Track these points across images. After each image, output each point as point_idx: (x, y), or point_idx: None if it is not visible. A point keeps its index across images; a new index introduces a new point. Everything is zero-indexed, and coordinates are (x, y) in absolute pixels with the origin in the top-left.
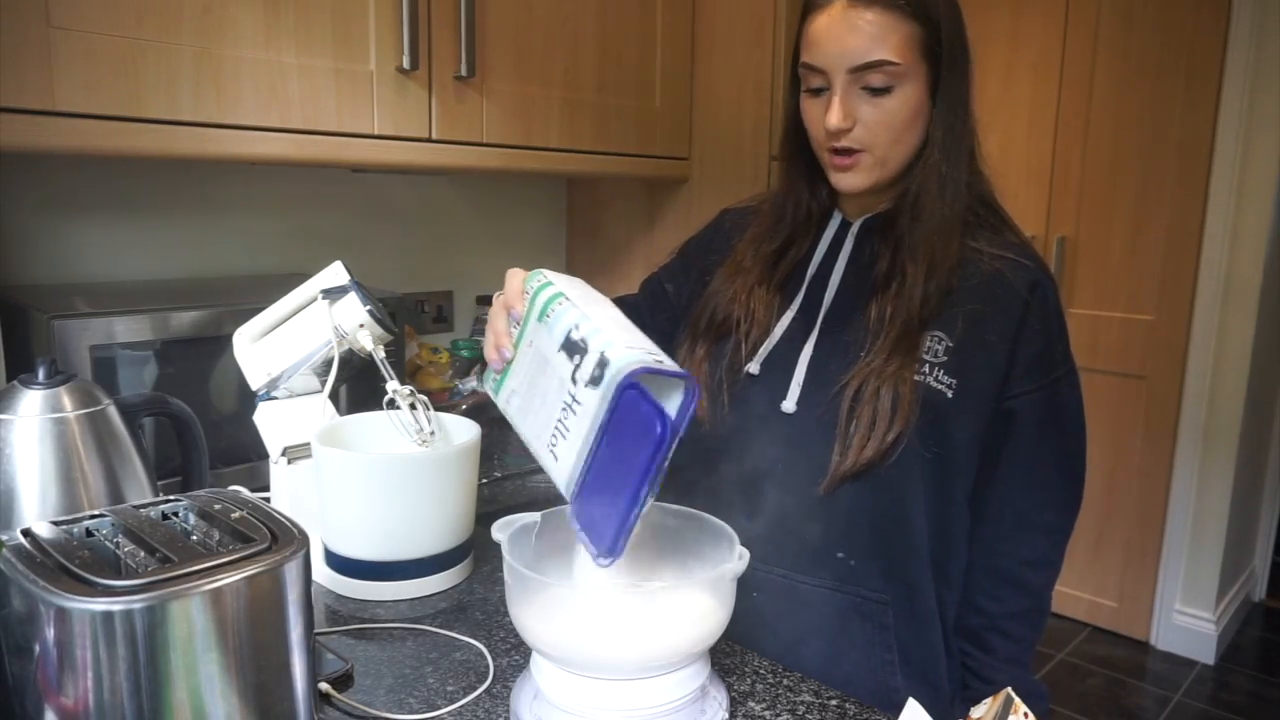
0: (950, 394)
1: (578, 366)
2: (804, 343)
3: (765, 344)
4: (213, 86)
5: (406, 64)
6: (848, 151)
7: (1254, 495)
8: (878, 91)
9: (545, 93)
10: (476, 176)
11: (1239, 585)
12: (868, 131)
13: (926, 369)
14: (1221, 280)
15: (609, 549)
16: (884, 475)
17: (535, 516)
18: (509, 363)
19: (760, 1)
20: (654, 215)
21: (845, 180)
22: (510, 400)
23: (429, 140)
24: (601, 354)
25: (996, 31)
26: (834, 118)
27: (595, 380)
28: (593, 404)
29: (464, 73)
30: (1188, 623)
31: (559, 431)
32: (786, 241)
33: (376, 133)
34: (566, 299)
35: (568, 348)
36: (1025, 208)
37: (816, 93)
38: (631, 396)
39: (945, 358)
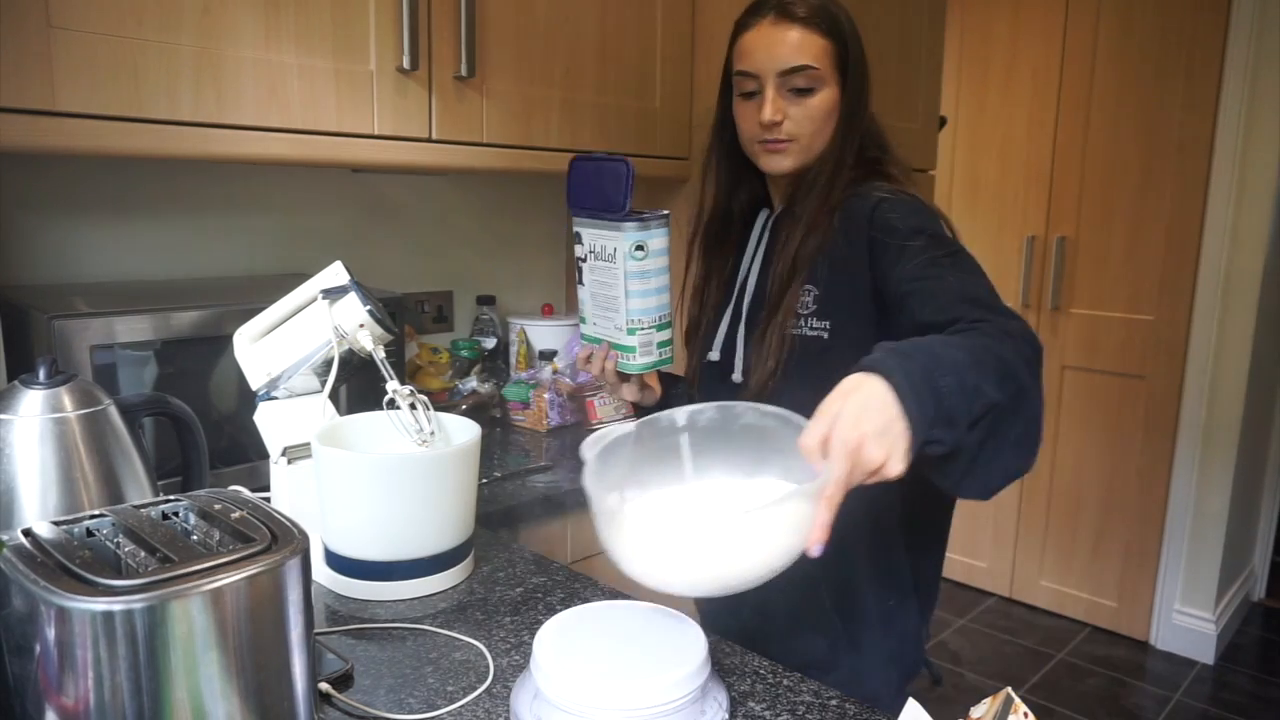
0: (826, 335)
1: (581, 257)
2: (737, 327)
3: (719, 333)
4: (213, 87)
5: (406, 64)
6: (778, 141)
7: (1254, 495)
8: (802, 92)
9: (545, 93)
10: (476, 176)
11: (1238, 585)
12: (795, 124)
13: (802, 321)
14: (1221, 280)
15: (623, 197)
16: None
17: (630, 426)
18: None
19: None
20: None
21: (775, 162)
22: (617, 326)
23: (429, 140)
24: (577, 244)
25: (996, 32)
26: (768, 112)
27: (578, 238)
28: (585, 232)
29: (464, 73)
30: (1187, 623)
31: (605, 258)
32: (730, 244)
33: (376, 133)
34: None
35: (579, 274)
36: (1025, 208)
37: (749, 96)
38: (573, 193)
39: (815, 306)
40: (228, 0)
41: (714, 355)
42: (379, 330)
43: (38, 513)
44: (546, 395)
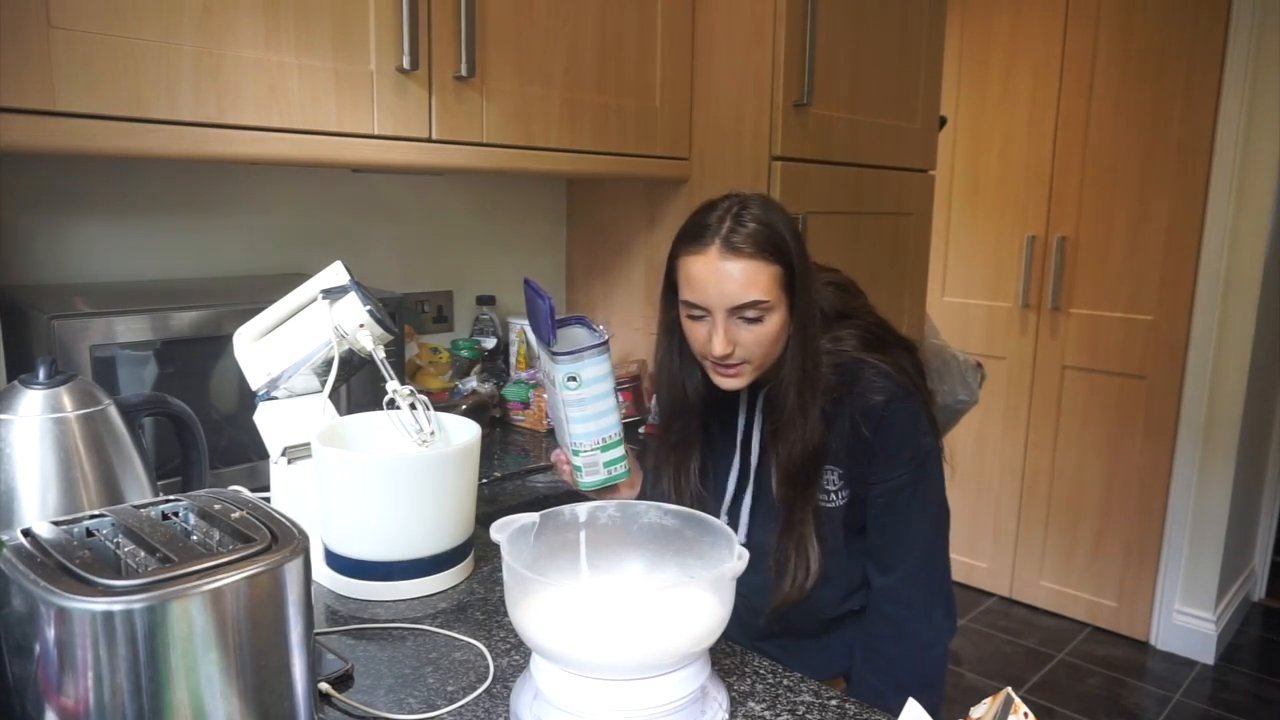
0: (844, 505)
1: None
2: (744, 494)
3: (723, 503)
4: (213, 87)
5: (406, 64)
6: (731, 365)
7: (1254, 495)
8: (752, 320)
9: (545, 93)
10: (476, 176)
11: (1239, 585)
12: (747, 350)
13: (827, 496)
14: (1221, 280)
15: (546, 334)
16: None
17: (534, 517)
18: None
19: (760, 1)
20: (654, 215)
21: (729, 383)
22: (573, 448)
23: (429, 140)
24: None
25: (997, 32)
26: (718, 347)
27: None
28: (540, 358)
29: (464, 73)
30: (1187, 623)
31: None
32: (701, 424)
33: (376, 133)
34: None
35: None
36: (1025, 207)
37: (697, 319)
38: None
39: (840, 484)
40: (228, 0)
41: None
42: (379, 330)
43: (38, 513)
44: (546, 395)
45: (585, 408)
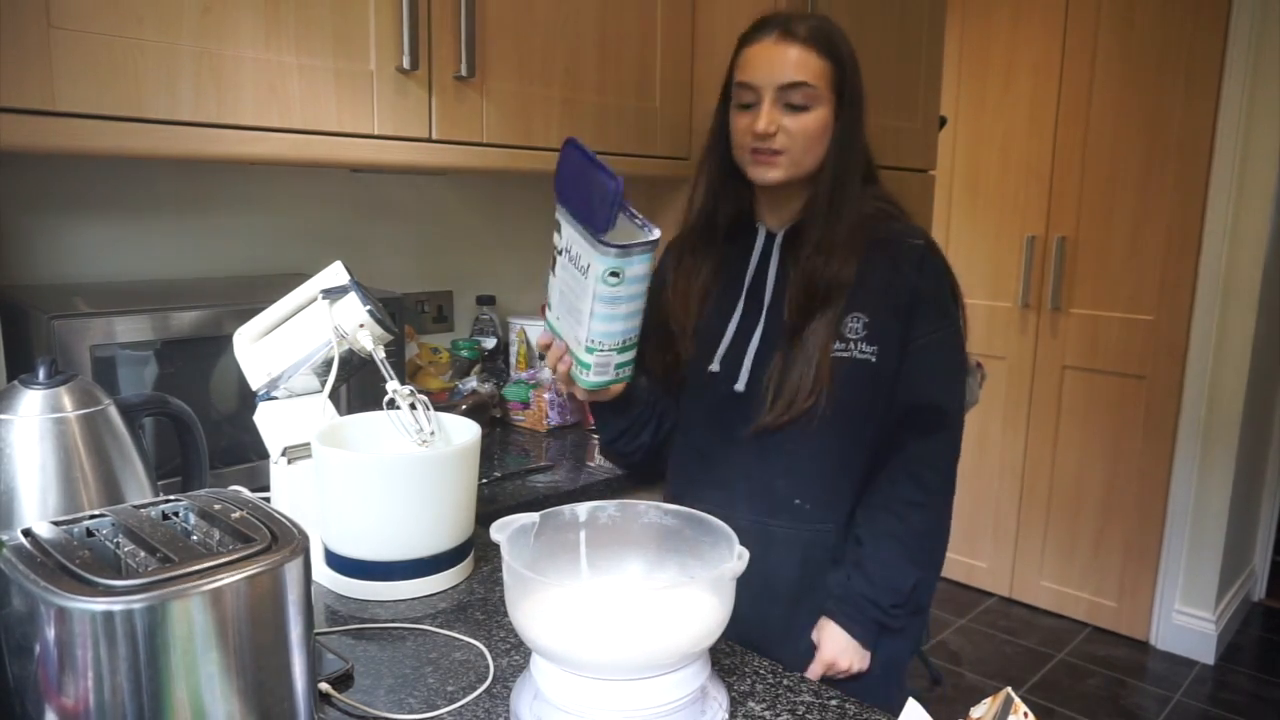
0: (874, 360)
1: (556, 251)
2: (751, 335)
3: (721, 345)
4: (213, 86)
5: (406, 64)
6: (770, 152)
7: (1254, 495)
8: (797, 108)
9: (545, 93)
10: (476, 176)
11: (1239, 585)
12: (788, 138)
13: (850, 345)
14: (1221, 280)
15: (611, 182)
16: (824, 444)
17: (534, 517)
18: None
19: (760, 2)
20: (654, 215)
21: (763, 173)
22: (576, 339)
23: (429, 140)
24: (555, 235)
25: (996, 32)
26: (762, 123)
27: (558, 228)
28: (565, 227)
29: (464, 73)
30: (1187, 623)
31: (576, 264)
32: (720, 256)
33: (376, 133)
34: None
35: (553, 266)
36: (1025, 208)
37: (746, 107)
38: (562, 192)
39: (865, 331)
40: (228, 0)
41: (714, 367)
42: (379, 330)
43: (38, 513)
44: (546, 395)
45: (619, 306)
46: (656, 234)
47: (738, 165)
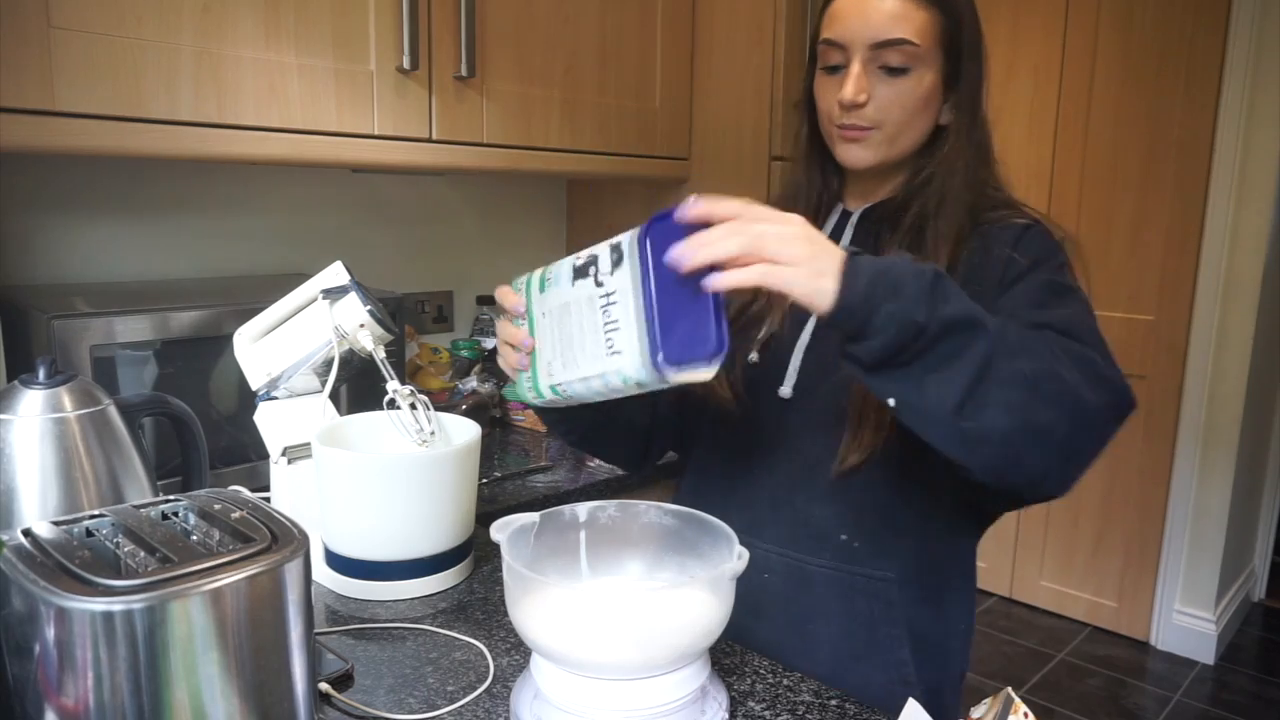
0: None
1: (596, 271)
2: (801, 328)
3: (762, 333)
4: (213, 86)
5: (406, 64)
6: (858, 128)
7: (1254, 495)
8: (894, 71)
9: (545, 93)
10: (476, 176)
11: (1239, 585)
12: (880, 110)
13: None
14: (1221, 280)
15: (717, 341)
16: (888, 461)
17: (534, 516)
18: (532, 352)
19: (760, 1)
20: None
21: (852, 153)
22: (550, 372)
23: (429, 140)
24: (608, 245)
25: (996, 32)
26: (849, 90)
27: (618, 259)
28: (627, 274)
29: (464, 73)
30: (1188, 623)
31: (610, 329)
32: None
33: (376, 133)
34: (550, 267)
35: (579, 273)
36: None
37: (833, 70)
38: (655, 228)
39: None
40: (228, 0)
41: (752, 356)
42: (379, 330)
43: (37, 513)
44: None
45: (615, 392)
46: (724, 349)
47: (825, 142)
